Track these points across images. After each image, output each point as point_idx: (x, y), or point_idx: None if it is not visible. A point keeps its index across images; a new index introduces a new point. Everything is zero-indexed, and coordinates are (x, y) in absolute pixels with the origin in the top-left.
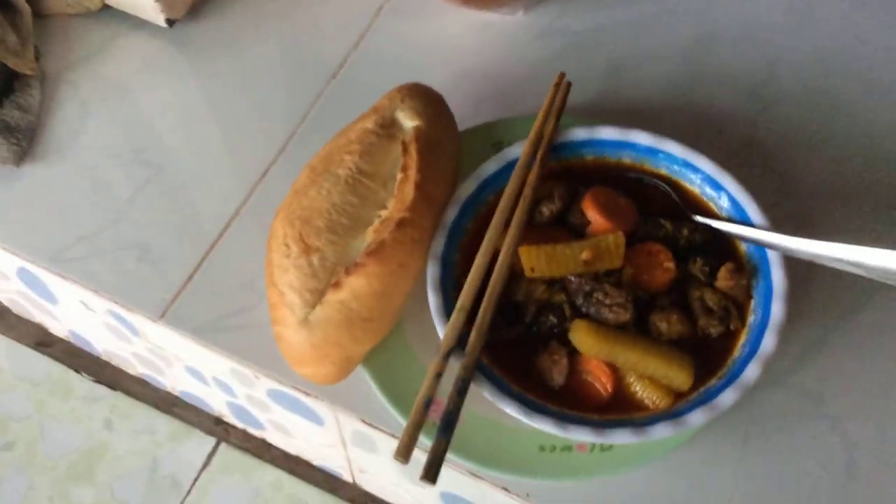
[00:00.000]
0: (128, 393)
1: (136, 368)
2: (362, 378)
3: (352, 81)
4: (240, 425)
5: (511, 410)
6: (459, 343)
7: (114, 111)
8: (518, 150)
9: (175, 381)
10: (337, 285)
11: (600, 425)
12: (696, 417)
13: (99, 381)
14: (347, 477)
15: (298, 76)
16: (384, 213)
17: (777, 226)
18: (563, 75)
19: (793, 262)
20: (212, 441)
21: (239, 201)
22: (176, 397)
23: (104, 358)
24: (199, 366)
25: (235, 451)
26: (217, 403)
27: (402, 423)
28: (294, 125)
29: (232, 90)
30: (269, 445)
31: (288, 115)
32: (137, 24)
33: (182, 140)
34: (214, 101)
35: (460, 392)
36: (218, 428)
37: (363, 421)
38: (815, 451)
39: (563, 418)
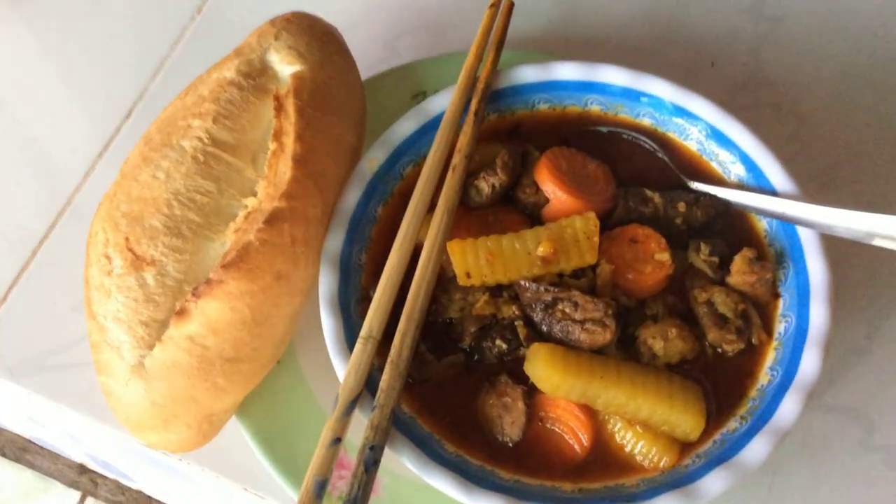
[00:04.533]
0: None
1: None
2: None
3: (223, 16)
4: (110, 475)
5: (445, 486)
6: (368, 387)
7: None
8: (444, 101)
9: (22, 426)
10: (183, 313)
11: (575, 502)
12: (714, 484)
13: None
14: None
15: (153, 17)
16: (252, 203)
17: (804, 189)
18: None
19: (830, 243)
20: (75, 496)
21: (69, 191)
22: (27, 441)
23: None
24: (36, 414)
25: None
26: (75, 452)
27: (294, 497)
28: (144, 82)
29: (71, 46)
30: (150, 498)
31: (138, 69)
32: None
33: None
34: (50, 61)
35: (368, 466)
36: (83, 478)
37: (248, 490)
38: (865, 494)
39: (520, 494)
